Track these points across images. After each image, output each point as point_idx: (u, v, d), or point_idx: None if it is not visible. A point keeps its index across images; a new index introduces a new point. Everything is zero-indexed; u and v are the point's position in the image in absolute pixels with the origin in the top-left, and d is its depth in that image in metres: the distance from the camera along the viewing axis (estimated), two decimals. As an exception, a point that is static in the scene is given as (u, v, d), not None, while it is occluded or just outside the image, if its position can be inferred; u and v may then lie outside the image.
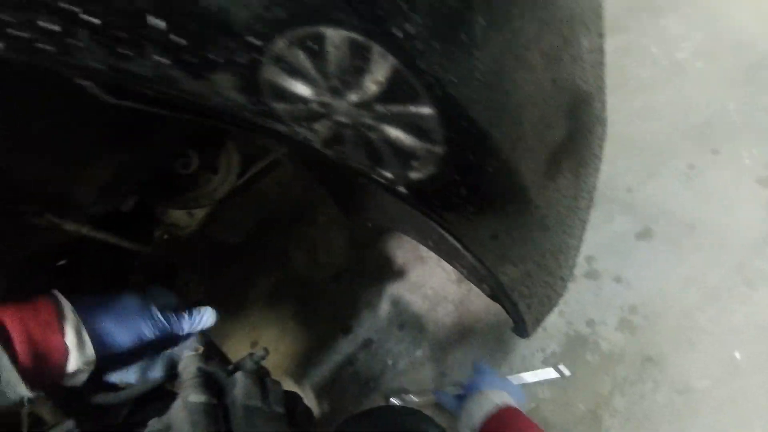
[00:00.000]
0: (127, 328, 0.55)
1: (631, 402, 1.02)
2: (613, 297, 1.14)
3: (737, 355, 0.99)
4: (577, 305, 1.17)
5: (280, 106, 0.37)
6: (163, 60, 0.33)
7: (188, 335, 0.64)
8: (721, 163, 1.23)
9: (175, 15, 0.32)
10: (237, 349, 1.56)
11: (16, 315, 0.48)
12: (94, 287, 0.98)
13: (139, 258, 1.08)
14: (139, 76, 0.34)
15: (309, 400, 1.27)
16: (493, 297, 0.64)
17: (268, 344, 1.60)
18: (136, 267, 1.21)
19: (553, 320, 1.18)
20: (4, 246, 0.80)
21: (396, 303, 1.45)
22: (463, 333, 1.28)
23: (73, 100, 0.48)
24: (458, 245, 0.51)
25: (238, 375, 0.60)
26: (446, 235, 0.51)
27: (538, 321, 0.66)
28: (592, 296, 1.17)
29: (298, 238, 1.81)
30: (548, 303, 0.65)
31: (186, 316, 0.63)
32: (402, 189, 0.45)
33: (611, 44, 1.74)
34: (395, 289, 1.48)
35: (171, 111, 0.45)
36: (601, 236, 1.25)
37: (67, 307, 0.52)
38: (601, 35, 0.69)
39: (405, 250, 1.55)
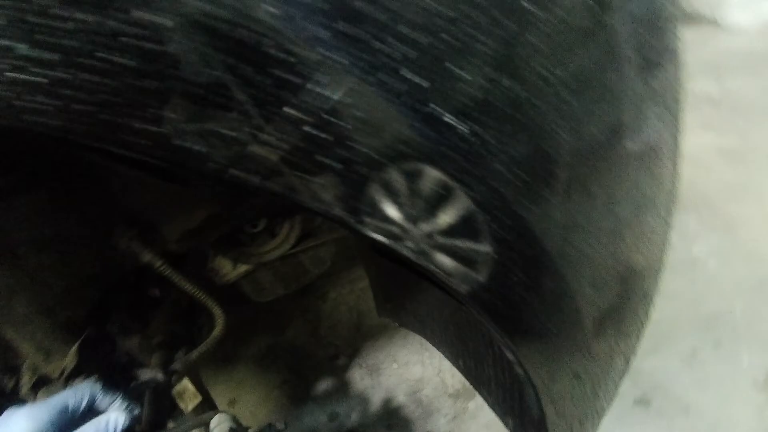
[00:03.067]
0: None
1: None
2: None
3: None
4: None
5: (368, 220, 0.42)
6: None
7: None
8: (721, 356, 1.32)
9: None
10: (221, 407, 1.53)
11: None
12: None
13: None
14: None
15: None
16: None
17: (247, 406, 1.57)
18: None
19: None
20: (91, 269, 0.86)
21: (389, 402, 1.46)
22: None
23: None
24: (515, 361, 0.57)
25: None
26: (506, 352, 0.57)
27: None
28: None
29: (303, 308, 1.84)
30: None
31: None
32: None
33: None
34: (391, 387, 1.49)
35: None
36: (601, 394, 1.30)
37: None
38: (668, 222, 0.78)
39: (409, 350, 1.58)
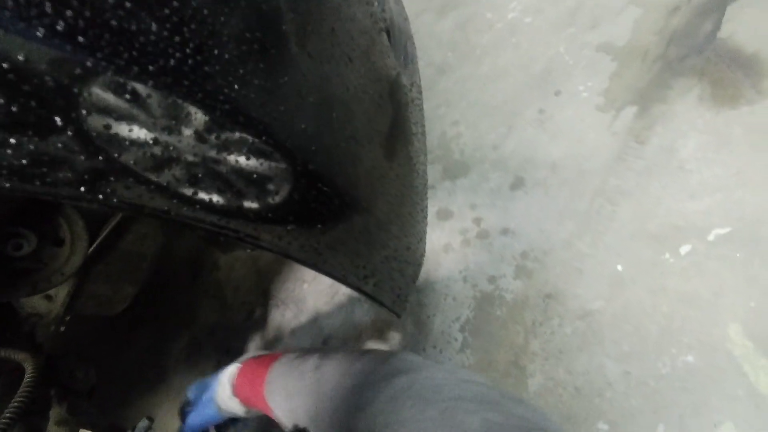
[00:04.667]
0: None
1: (544, 342, 1.05)
2: (504, 249, 1.18)
3: (619, 268, 1.05)
4: (476, 267, 1.20)
5: (125, 157, 0.36)
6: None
7: None
8: (564, 101, 1.32)
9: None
10: (168, 419, 1.44)
11: None
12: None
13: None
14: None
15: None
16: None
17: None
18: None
19: (459, 288, 1.20)
20: None
21: (315, 320, 1.41)
22: (382, 328, 1.26)
23: None
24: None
25: None
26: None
27: (401, 296, 0.65)
28: (487, 254, 1.20)
29: (204, 287, 1.72)
30: (402, 277, 0.64)
31: None
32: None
33: (451, 19, 1.83)
34: (312, 306, 1.44)
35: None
36: (481, 196, 1.29)
37: None
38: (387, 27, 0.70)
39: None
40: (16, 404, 0.75)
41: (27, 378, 0.78)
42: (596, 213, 1.12)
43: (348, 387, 0.51)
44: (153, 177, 0.37)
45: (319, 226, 0.47)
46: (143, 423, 0.67)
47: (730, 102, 1.06)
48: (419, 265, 0.70)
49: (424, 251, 0.71)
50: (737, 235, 0.95)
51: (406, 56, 0.74)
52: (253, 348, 1.48)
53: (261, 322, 1.50)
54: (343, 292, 1.42)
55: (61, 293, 1.04)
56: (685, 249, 0.99)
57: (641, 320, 0.98)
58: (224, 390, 0.74)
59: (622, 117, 1.20)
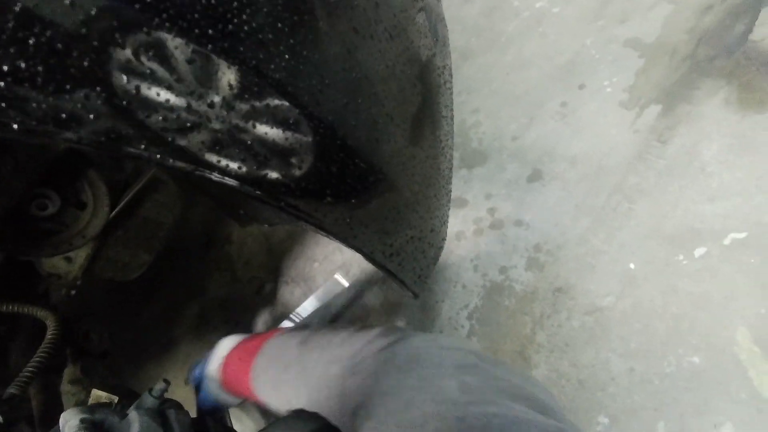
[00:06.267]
0: None
1: (551, 334, 1.06)
2: (517, 241, 1.19)
3: (632, 266, 1.05)
4: (487, 257, 1.21)
5: (152, 119, 0.36)
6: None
7: None
8: (587, 95, 1.30)
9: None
10: (174, 386, 1.47)
11: None
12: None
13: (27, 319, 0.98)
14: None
15: (249, 414, 1.22)
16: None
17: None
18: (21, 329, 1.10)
19: (470, 276, 1.21)
20: None
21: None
22: (390, 311, 1.28)
23: None
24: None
25: (132, 415, 0.54)
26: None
27: (422, 277, 0.66)
28: (499, 244, 1.20)
29: (216, 260, 1.74)
30: (424, 258, 0.65)
31: None
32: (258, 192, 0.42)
33: (479, 5, 1.80)
34: (320, 285, 1.46)
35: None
36: (497, 186, 1.29)
37: None
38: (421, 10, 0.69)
39: (322, 245, 1.52)
40: (38, 359, 0.77)
41: (49, 335, 0.80)
42: (613, 210, 1.12)
43: (335, 375, 0.51)
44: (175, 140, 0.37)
45: (353, 201, 0.48)
46: (160, 385, 0.69)
47: (757, 106, 1.05)
48: (441, 248, 0.71)
49: (446, 234, 0.72)
50: (753, 241, 0.95)
51: (438, 37, 0.74)
52: (261, 323, 1.51)
53: (270, 298, 1.52)
54: (353, 273, 1.43)
55: (80, 255, 1.06)
56: (699, 251, 0.99)
57: (650, 319, 0.98)
58: (214, 385, 0.74)
59: (645, 115, 1.19)
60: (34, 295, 1.09)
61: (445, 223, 0.72)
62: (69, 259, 1.05)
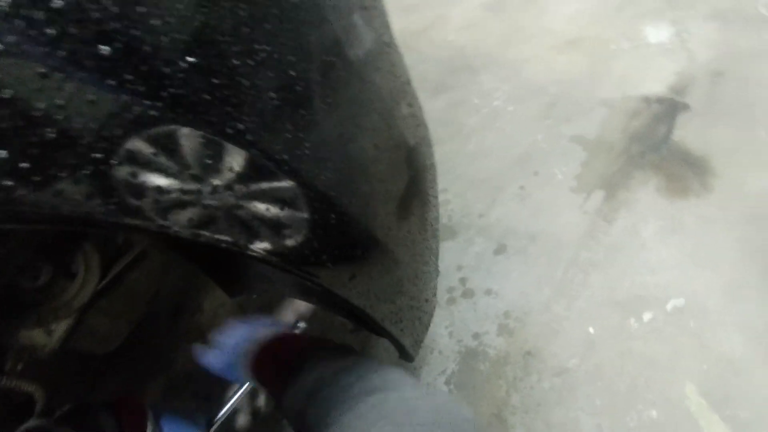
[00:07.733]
0: None
1: (524, 396, 1.13)
2: (488, 308, 1.29)
3: (591, 330, 1.17)
4: (461, 323, 1.29)
5: (143, 202, 0.36)
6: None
7: None
8: (542, 181, 1.50)
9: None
10: None
11: None
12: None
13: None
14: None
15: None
16: (376, 332, 0.70)
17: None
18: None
19: (446, 342, 1.28)
20: None
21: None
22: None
23: None
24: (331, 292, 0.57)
25: None
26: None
27: (417, 342, 0.74)
28: (472, 312, 1.30)
29: (186, 330, 1.70)
30: (420, 324, 0.73)
31: None
32: (274, 258, 0.47)
33: (443, 101, 2.04)
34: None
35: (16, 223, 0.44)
36: (467, 258, 1.41)
37: None
38: (411, 104, 0.82)
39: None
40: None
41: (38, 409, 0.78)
42: (570, 281, 1.26)
43: (324, 397, 0.51)
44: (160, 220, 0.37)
45: (373, 276, 0.56)
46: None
47: (681, 194, 1.27)
48: (431, 315, 0.79)
49: (436, 303, 0.81)
50: (690, 307, 1.10)
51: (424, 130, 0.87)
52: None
53: (244, 369, 1.50)
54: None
55: (60, 327, 1.05)
56: (647, 316, 1.13)
57: (611, 378, 1.09)
58: (244, 367, 0.75)
59: (592, 199, 1.38)
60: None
61: (435, 293, 0.82)
62: (48, 331, 1.03)
